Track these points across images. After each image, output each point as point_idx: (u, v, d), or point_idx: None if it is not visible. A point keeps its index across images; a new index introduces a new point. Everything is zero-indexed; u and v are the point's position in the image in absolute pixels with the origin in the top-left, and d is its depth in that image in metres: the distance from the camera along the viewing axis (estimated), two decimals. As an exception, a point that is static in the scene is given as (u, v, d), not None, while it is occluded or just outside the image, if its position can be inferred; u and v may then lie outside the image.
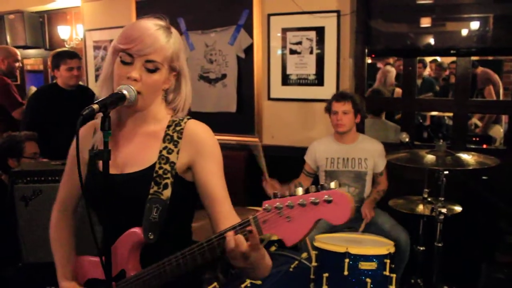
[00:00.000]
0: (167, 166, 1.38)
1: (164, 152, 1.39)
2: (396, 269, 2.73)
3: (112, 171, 1.38)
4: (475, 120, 5.27)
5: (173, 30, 1.42)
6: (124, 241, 1.38)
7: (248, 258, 1.19)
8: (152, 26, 1.36)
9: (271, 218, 1.13)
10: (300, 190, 1.10)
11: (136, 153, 1.43)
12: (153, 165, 1.38)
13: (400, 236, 2.99)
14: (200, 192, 1.42)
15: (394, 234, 2.98)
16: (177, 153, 1.40)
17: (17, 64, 4.36)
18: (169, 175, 1.37)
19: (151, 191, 1.36)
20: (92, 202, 1.40)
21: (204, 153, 1.40)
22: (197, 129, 1.43)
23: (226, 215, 1.38)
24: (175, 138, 1.41)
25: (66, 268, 1.54)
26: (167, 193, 1.36)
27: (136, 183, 1.38)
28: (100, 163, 1.34)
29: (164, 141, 1.41)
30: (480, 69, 5.30)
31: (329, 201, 1.06)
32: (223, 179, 1.43)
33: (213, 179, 1.40)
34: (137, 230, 1.37)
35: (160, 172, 1.37)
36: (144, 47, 1.33)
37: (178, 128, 1.42)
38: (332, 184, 1.08)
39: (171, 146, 1.40)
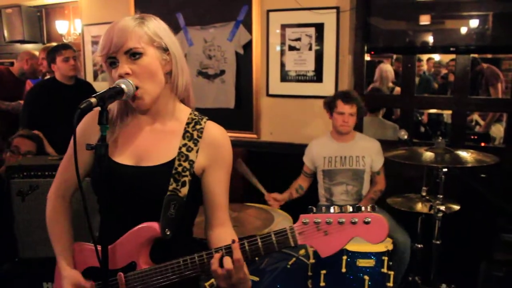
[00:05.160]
0: (186, 164, 1.39)
1: (184, 150, 1.40)
2: (395, 270, 2.72)
3: (126, 162, 1.40)
4: (476, 117, 5.21)
5: (150, 16, 1.40)
6: (138, 234, 1.38)
7: (231, 278, 1.26)
8: (120, 22, 1.36)
9: (308, 231, 1.24)
10: (333, 209, 1.24)
11: (153, 147, 1.42)
12: (172, 161, 1.39)
13: (399, 238, 2.97)
14: (204, 193, 1.45)
15: (394, 236, 2.97)
16: (196, 152, 1.41)
17: (40, 67, 4.52)
18: (187, 173, 1.38)
19: (170, 187, 1.36)
20: (96, 190, 1.40)
21: (220, 160, 1.43)
22: (217, 134, 1.45)
23: (222, 221, 1.47)
24: (195, 136, 1.42)
25: (67, 256, 1.50)
26: (184, 190, 1.37)
27: (154, 178, 1.38)
28: (109, 152, 1.33)
29: (184, 138, 1.41)
30: (485, 66, 5.21)
31: (367, 222, 1.20)
32: (228, 185, 1.48)
33: (221, 187, 1.45)
34: (154, 225, 1.36)
35: (180, 169, 1.38)
36: (117, 41, 1.32)
37: (198, 127, 1.43)
38: (369, 208, 1.24)
39: (190, 144, 1.41)
